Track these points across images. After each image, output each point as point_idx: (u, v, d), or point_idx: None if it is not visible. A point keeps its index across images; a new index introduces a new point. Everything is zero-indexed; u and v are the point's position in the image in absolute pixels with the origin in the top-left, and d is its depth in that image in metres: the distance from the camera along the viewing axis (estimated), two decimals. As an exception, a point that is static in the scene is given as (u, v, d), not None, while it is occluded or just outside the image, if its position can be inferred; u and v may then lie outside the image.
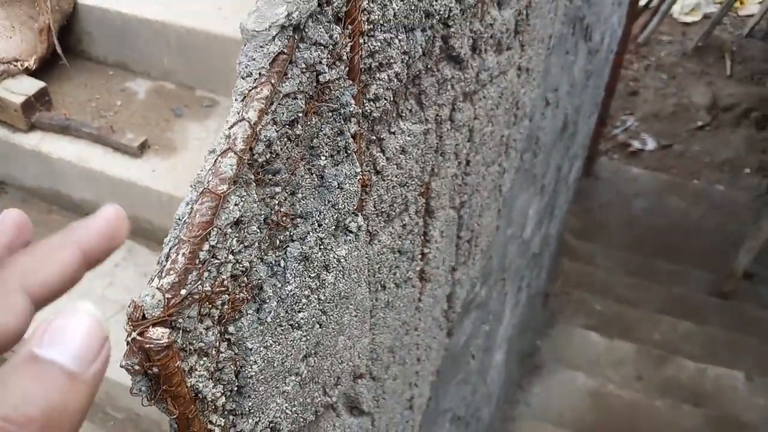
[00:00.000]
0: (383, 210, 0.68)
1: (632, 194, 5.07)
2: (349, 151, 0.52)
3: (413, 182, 0.76)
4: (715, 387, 3.36)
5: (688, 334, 3.70)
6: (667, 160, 5.80)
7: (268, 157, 0.42)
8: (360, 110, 0.53)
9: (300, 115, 0.44)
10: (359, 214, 0.61)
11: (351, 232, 0.59)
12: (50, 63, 1.83)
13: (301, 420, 0.58)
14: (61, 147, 1.67)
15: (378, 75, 0.54)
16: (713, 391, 3.35)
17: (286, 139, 0.44)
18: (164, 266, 0.37)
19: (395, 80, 0.57)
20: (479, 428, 2.05)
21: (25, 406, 0.26)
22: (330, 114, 0.48)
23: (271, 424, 0.51)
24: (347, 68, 0.47)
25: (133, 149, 1.65)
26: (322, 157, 0.49)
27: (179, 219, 0.39)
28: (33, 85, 1.70)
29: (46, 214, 1.71)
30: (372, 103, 0.55)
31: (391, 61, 0.56)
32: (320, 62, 0.44)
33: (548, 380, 3.24)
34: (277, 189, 0.44)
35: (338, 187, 0.52)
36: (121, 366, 0.36)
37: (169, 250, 0.38)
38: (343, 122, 0.50)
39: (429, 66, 0.67)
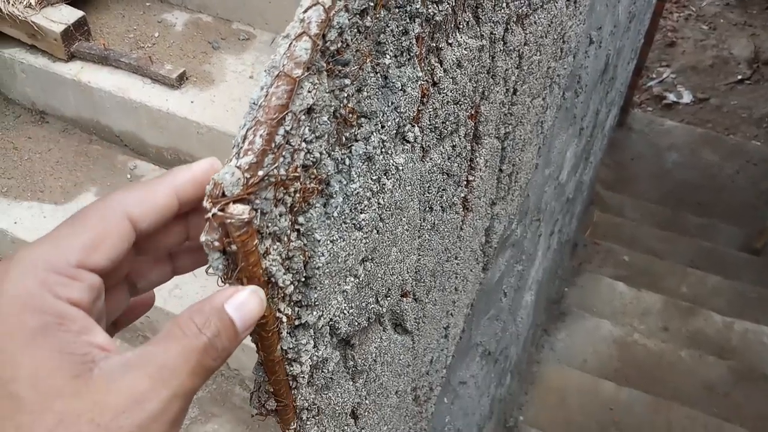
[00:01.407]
0: (436, 126, 0.68)
1: (665, 147, 4.98)
2: (411, 53, 0.52)
3: (465, 101, 0.75)
4: (741, 341, 3.36)
5: (717, 288, 3.68)
6: (702, 114, 5.65)
7: (339, 46, 0.42)
8: (424, 10, 0.52)
9: (370, 4, 0.43)
10: (416, 125, 0.61)
11: (408, 141, 0.59)
12: (88, -8, 1.82)
13: (356, 323, 0.59)
14: (100, 77, 1.68)
15: (444, -25, 0.53)
16: (739, 345, 3.34)
17: (356, 30, 0.43)
18: (241, 147, 0.37)
19: (459, -16, 0.56)
20: (507, 366, 2.08)
21: (218, 341, 0.37)
22: (397, 10, 0.48)
23: (331, 322, 0.52)
24: (417, -38, 0.46)
25: (172, 80, 1.65)
26: (388, 56, 0.48)
27: (254, 103, 0.39)
28: (72, 14, 1.69)
29: (87, 144, 1.73)
30: (435, 6, 0.54)
31: (456, -36, 0.55)
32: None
33: (574, 327, 3.26)
34: (347, 81, 0.44)
35: (401, 89, 0.52)
36: (202, 241, 0.37)
37: (246, 131, 0.38)
38: (408, 20, 0.49)
39: (489, -23, 0.65)
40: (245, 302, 0.38)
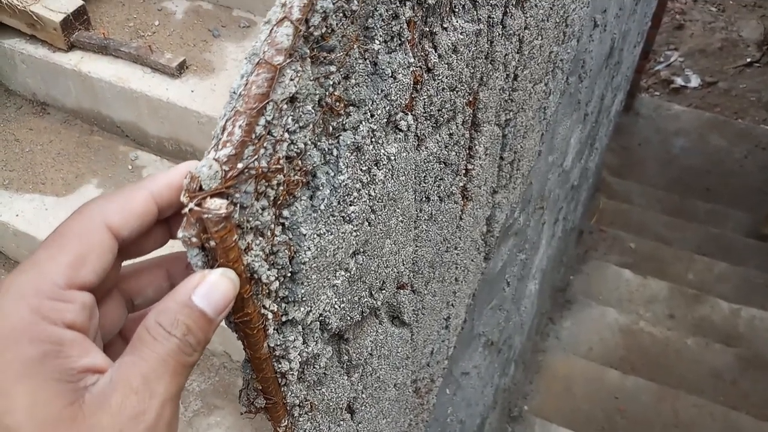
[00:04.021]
0: (432, 114, 0.66)
1: (672, 132, 4.93)
2: (403, 39, 0.50)
3: (463, 88, 0.73)
4: (748, 328, 3.33)
5: (724, 274, 3.65)
6: (710, 97, 5.59)
7: (323, 31, 0.40)
8: (416, -6, 0.50)
9: (357, -12, 0.42)
10: (409, 113, 0.59)
11: (401, 130, 0.57)
12: (86, -19, 1.80)
13: (348, 318, 0.58)
14: (100, 67, 1.66)
15: (436, -43, 0.51)
16: (746, 332, 3.32)
17: (341, 14, 0.41)
18: (220, 138, 0.36)
19: (452, -34, 0.54)
20: (510, 356, 2.07)
21: (190, 337, 0.36)
22: (386, -6, 0.46)
23: (321, 317, 0.51)
24: (406, -57, 0.44)
25: (172, 69, 1.63)
26: (377, 41, 0.47)
27: (234, 92, 0.38)
28: (71, 3, 1.68)
29: (88, 135, 1.72)
30: (428, -11, 0.52)
31: (449, -55, 0.53)
32: (379, -69, 0.41)
33: (579, 315, 3.25)
34: (332, 68, 0.42)
35: (391, 76, 0.50)
36: (178, 238, 0.35)
37: (225, 122, 0.36)
38: (398, 4, 0.47)
39: (485, -41, 0.63)
40: (213, 288, 0.36)
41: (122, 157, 1.68)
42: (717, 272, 3.67)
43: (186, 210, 0.35)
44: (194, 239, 0.35)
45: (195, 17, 1.81)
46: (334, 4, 0.40)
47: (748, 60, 5.82)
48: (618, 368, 3.02)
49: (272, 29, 0.38)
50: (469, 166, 0.92)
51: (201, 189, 0.35)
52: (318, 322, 0.51)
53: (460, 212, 0.97)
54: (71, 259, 0.36)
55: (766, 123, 5.28)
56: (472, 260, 1.18)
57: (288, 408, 0.53)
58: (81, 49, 1.69)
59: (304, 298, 0.46)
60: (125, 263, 0.43)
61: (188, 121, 1.59)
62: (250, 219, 0.38)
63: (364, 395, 0.73)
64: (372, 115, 0.49)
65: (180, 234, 0.35)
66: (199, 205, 0.35)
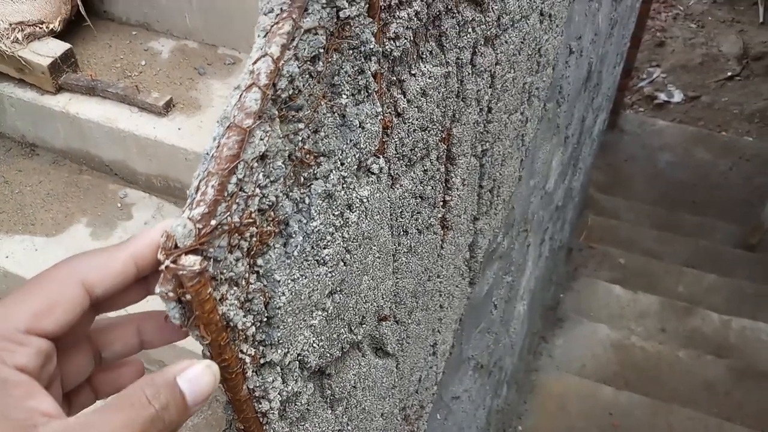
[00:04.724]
0: (404, 154, 0.69)
1: (658, 147, 4.99)
2: (370, 91, 0.53)
3: (435, 127, 0.76)
4: (739, 338, 3.36)
5: (713, 286, 3.68)
6: (694, 112, 5.68)
7: (290, 93, 0.43)
8: (380, 49, 0.53)
9: (321, 51, 0.45)
10: (381, 156, 0.62)
11: (373, 173, 0.60)
12: (74, 24, 1.84)
13: (328, 355, 0.60)
14: (88, 108, 1.69)
15: (398, 13, 0.54)
16: (737, 343, 3.34)
17: (308, 76, 0.44)
18: (194, 198, 0.39)
19: (415, 19, 0.57)
20: (502, 377, 2.09)
21: (165, 412, 0.38)
22: (351, 51, 0.49)
23: (299, 357, 0.53)
24: (367, 5, 0.48)
25: (159, 108, 1.67)
26: (344, 96, 0.50)
27: (207, 154, 0.40)
28: (59, 47, 1.71)
29: (77, 175, 1.75)
30: (392, 42, 0.55)
31: None
32: (340, -2, 0.44)
33: (571, 332, 3.26)
34: (300, 125, 0.45)
35: (360, 127, 0.53)
36: (156, 293, 0.38)
37: (199, 182, 0.39)
38: (363, 60, 0.50)
39: (449, 7, 0.67)
40: (198, 377, 0.39)
41: (111, 195, 1.70)
42: (707, 284, 3.70)
43: (162, 267, 0.37)
44: (171, 294, 0.38)
45: (181, 56, 1.85)
46: (299, 67, 0.43)
47: (729, 74, 5.93)
48: (611, 384, 3.04)
49: (242, 95, 0.40)
50: (447, 198, 0.95)
51: (176, 246, 0.38)
52: (297, 362, 0.53)
53: (440, 242, 1.00)
54: (38, 307, 0.38)
55: (749, 135, 5.36)
56: (456, 286, 1.20)
57: (271, 445, 0.55)
58: (69, 91, 1.72)
59: (281, 341, 0.49)
60: (99, 317, 0.44)
61: (176, 158, 1.62)
62: (225, 271, 0.41)
63: (349, 427, 0.75)
64: (342, 164, 0.52)
65: (157, 290, 0.38)
66: (174, 262, 0.37)
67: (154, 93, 1.69)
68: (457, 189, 0.97)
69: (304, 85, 0.44)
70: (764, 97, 5.69)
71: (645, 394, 2.96)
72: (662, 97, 5.75)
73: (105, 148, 1.69)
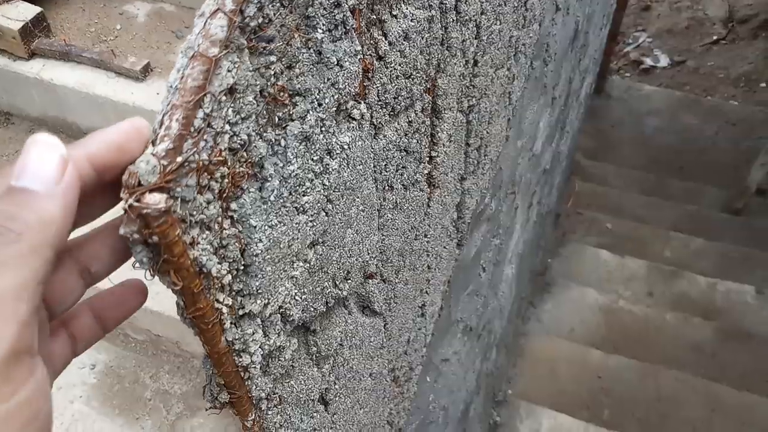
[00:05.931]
0: (387, 101, 0.66)
1: (644, 112, 4.98)
2: (347, 27, 0.50)
3: (418, 75, 0.73)
4: (725, 301, 3.39)
5: (700, 250, 3.70)
6: (680, 76, 5.66)
7: (260, 21, 0.40)
8: (358, -18, 0.50)
9: (293, -23, 0.41)
10: (362, 101, 0.59)
11: (354, 119, 0.57)
12: (44, -13, 1.77)
13: (312, 309, 0.58)
14: (63, 74, 1.64)
15: (376, -57, 0.51)
16: (723, 305, 3.37)
17: (278, 4, 0.41)
18: (158, 133, 0.36)
19: (395, -48, 0.54)
20: (491, 341, 2.09)
21: (13, 223, 0.33)
22: (325, -18, 0.46)
23: (281, 309, 0.51)
24: (342, -71, 0.44)
25: (136, 73, 1.62)
26: (319, 30, 0.46)
27: (170, 86, 0.37)
28: (29, 10, 1.65)
29: (52, 142, 1.70)
30: (371, -24, 0.52)
31: (390, -69, 0.53)
32: None
33: (559, 297, 3.28)
34: (272, 58, 0.42)
35: (337, 65, 0.50)
36: (120, 234, 0.35)
37: (163, 116, 0.36)
38: (340, -8, 0.47)
39: (431, -56, 0.63)
40: (30, 160, 0.34)
41: (90, 163, 1.66)
42: (693, 248, 3.72)
43: (125, 206, 0.34)
44: (136, 235, 0.35)
45: (157, 20, 1.79)
46: (269, -7, 0.40)
47: (715, 38, 5.90)
48: (600, 348, 3.06)
49: (206, 21, 0.37)
50: (433, 153, 0.93)
51: (140, 184, 0.35)
52: (279, 315, 0.51)
53: (427, 200, 0.97)
54: None
55: (734, 99, 5.36)
56: (444, 247, 1.18)
57: (254, 402, 0.53)
58: (42, 57, 1.67)
59: (260, 291, 0.46)
60: (74, 232, 0.39)
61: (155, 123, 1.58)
62: (194, 212, 0.38)
63: (337, 386, 0.73)
64: (320, 104, 0.49)
65: (121, 230, 0.35)
66: (138, 200, 0.34)
67: (131, 57, 1.64)
68: (444, 145, 0.95)
69: (275, 14, 0.41)
70: (749, 60, 5.68)
71: (633, 357, 2.98)
72: (648, 61, 5.72)
73: (82, 114, 1.64)
